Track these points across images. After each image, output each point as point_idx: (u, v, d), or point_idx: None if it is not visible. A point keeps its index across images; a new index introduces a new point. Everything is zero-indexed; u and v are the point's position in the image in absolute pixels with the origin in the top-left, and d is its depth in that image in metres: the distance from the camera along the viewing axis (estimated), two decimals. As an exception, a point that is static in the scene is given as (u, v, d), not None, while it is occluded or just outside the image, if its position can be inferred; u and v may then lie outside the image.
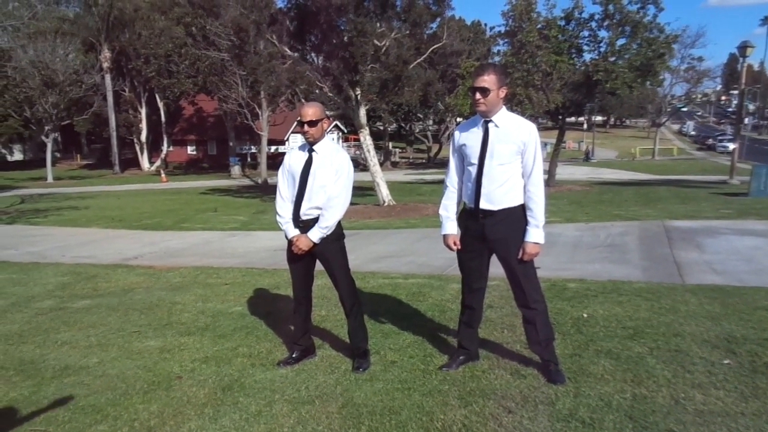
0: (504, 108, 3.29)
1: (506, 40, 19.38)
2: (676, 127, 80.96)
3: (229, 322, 4.76)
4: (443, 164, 37.29)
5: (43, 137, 34.26)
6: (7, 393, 3.49)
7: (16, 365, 3.95)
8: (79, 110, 36.63)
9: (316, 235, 3.50)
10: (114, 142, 40.15)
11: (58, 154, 48.12)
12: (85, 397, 3.39)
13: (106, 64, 37.52)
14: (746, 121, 57.17)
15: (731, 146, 25.75)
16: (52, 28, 32.72)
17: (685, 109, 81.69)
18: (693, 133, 72.51)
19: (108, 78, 37.78)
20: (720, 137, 53.81)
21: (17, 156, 50.28)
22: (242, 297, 5.60)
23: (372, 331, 4.31)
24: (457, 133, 3.47)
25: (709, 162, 38.60)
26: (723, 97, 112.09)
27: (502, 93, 3.24)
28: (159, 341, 4.34)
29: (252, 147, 43.61)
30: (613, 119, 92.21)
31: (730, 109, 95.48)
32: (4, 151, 49.04)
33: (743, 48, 18.73)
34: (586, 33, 18.08)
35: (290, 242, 3.61)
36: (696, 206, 12.17)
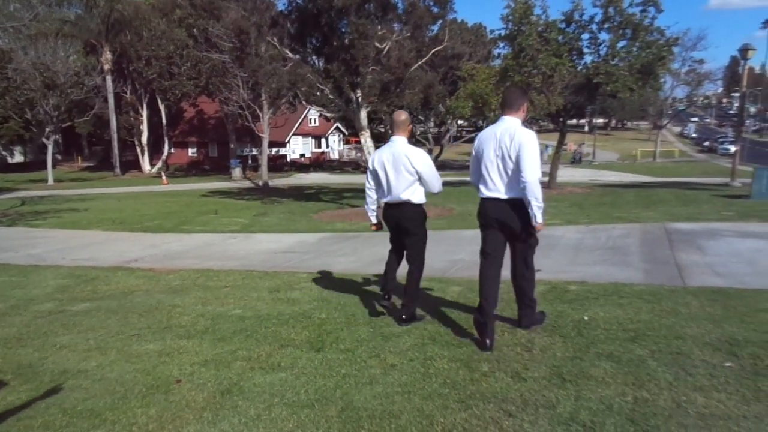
0: None
1: (506, 43, 19.36)
2: (677, 129, 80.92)
3: (228, 325, 4.74)
4: (444, 166, 37.36)
5: (44, 139, 34.29)
6: (4, 397, 3.47)
7: (14, 369, 3.93)
8: (80, 112, 36.68)
9: None
10: (115, 144, 40.18)
11: (58, 156, 48.19)
12: (84, 401, 3.37)
13: (107, 66, 37.56)
14: (747, 123, 57.12)
15: (732, 149, 25.72)
16: (53, 29, 32.77)
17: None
18: (694, 135, 72.50)
19: (109, 80, 37.82)
20: (721, 140, 53.79)
21: (18, 158, 50.34)
22: (242, 300, 5.58)
23: (372, 334, 4.31)
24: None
25: (711, 164, 38.59)
26: (724, 100, 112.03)
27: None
28: (158, 344, 4.33)
29: (253, 149, 43.63)
30: (614, 121, 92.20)
31: (731, 112, 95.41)
32: (4, 153, 49.07)
33: (744, 50, 18.74)
34: (586, 35, 18.07)
35: None
36: (697, 208, 12.15)
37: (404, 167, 4.35)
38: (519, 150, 3.73)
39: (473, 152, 4.14)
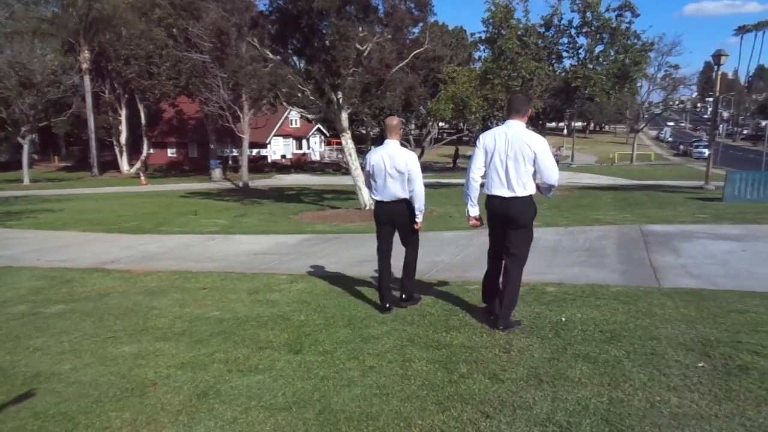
0: None
1: (486, 46, 19.51)
2: (653, 133, 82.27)
3: (206, 328, 4.69)
4: (425, 168, 37.35)
5: (20, 139, 33.59)
6: (-26, 401, 3.40)
7: (-15, 372, 3.84)
8: (57, 111, 36.00)
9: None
10: (93, 144, 39.49)
11: (35, 156, 47.15)
12: (56, 404, 3.31)
13: (85, 65, 36.91)
14: (720, 127, 58.34)
15: (706, 152, 26.24)
16: (30, 27, 32.17)
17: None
18: (670, 139, 73.82)
19: (87, 79, 37.17)
20: (696, 143, 54.86)
21: (-8, 158, 49.24)
22: (220, 302, 5.53)
23: (351, 336, 4.30)
24: None
25: (685, 167, 39.30)
26: (699, 104, 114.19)
27: None
28: (134, 347, 4.27)
29: (233, 150, 43.26)
30: (592, 125, 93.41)
31: (705, 116, 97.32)
32: (-22, 152, 47.99)
33: (717, 56, 19.10)
34: (565, 40, 18.31)
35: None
36: (672, 211, 12.35)
37: (397, 168, 4.69)
38: (537, 157, 4.10)
39: (479, 150, 4.30)
